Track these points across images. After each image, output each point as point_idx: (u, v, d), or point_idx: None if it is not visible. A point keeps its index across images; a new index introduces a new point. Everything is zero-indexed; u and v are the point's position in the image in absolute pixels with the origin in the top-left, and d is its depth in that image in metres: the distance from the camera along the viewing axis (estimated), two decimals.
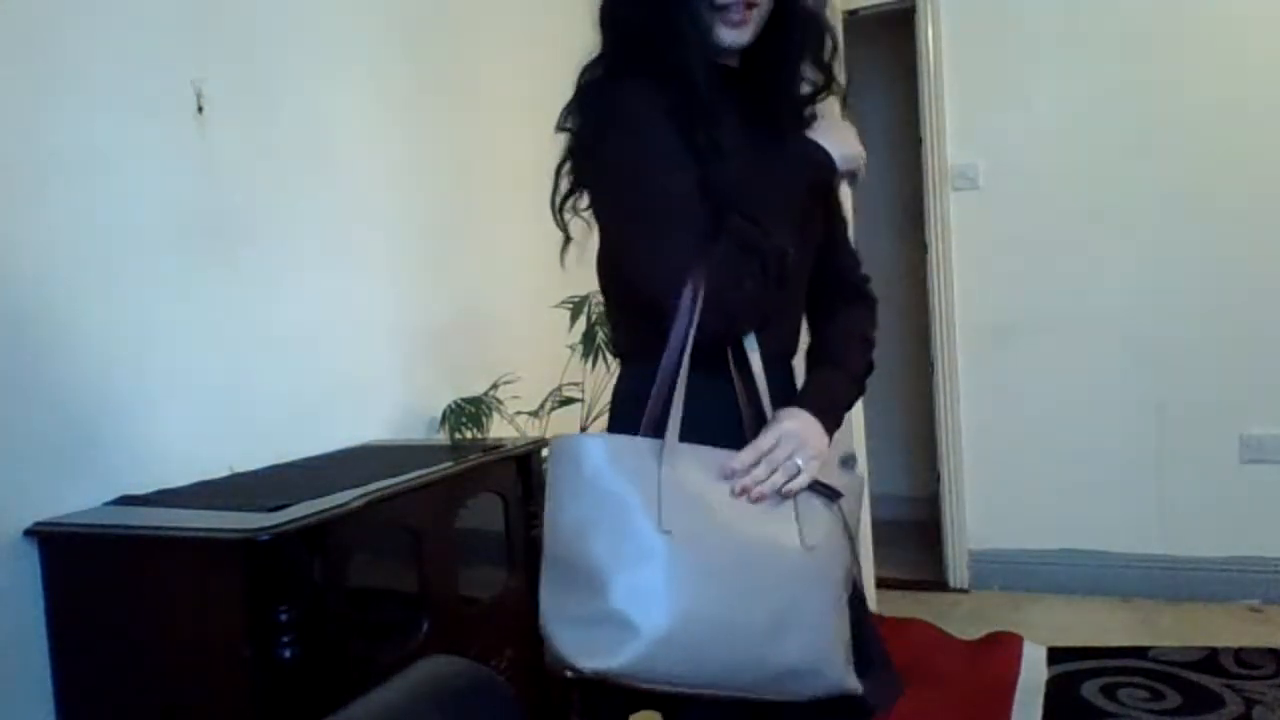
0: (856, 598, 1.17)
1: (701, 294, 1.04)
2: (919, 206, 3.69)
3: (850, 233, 1.41)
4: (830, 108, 1.24)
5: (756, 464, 1.07)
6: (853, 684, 1.09)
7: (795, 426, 1.11)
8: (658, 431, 1.05)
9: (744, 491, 1.06)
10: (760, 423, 1.13)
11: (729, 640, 1.01)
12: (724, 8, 1.14)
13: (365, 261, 2.31)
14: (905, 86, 3.82)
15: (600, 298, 1.63)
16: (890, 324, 4.73)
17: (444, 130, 2.64)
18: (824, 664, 1.07)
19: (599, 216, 1.20)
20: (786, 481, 1.08)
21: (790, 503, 1.08)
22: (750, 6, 1.14)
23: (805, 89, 1.24)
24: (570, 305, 2.55)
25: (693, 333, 1.05)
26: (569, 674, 1.01)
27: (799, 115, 1.23)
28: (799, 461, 1.08)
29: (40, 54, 1.59)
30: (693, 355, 1.06)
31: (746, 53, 1.20)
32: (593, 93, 1.17)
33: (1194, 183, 3.25)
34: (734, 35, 1.16)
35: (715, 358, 1.10)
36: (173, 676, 1.48)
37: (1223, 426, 3.24)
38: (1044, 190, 3.45)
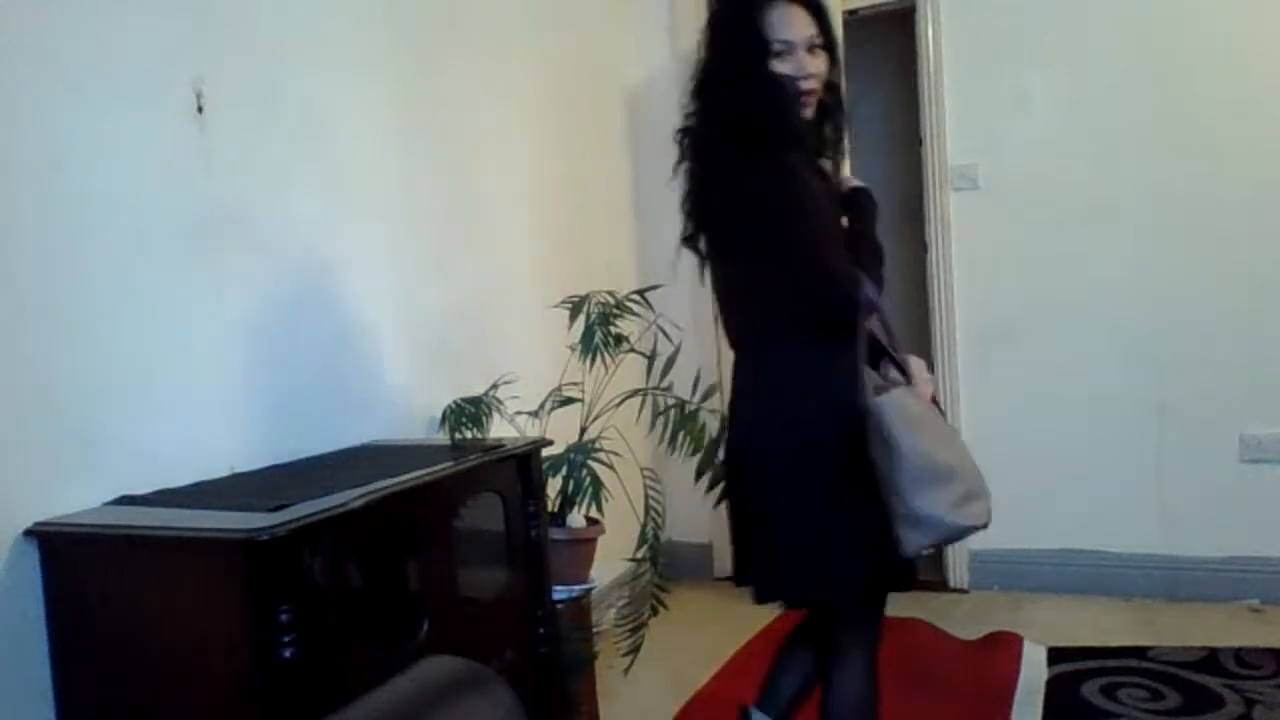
0: None
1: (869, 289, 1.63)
2: (919, 206, 3.69)
3: None
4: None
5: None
6: None
7: (919, 360, 1.73)
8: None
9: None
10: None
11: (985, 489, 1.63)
12: (798, 94, 1.66)
13: (365, 262, 2.32)
14: (905, 86, 3.82)
15: (602, 299, 2.28)
16: None
17: (445, 130, 2.64)
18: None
19: (778, 239, 1.64)
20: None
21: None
22: (813, 92, 1.68)
23: (842, 148, 1.84)
24: (570, 305, 2.54)
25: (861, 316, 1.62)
26: (927, 551, 1.61)
27: (835, 165, 1.87)
28: (930, 377, 1.76)
29: (40, 54, 1.59)
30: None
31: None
32: (772, 160, 1.62)
33: (1194, 183, 3.25)
34: (805, 112, 1.69)
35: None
36: (173, 676, 1.48)
37: (1223, 426, 3.24)
38: (1044, 190, 3.44)
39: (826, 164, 1.78)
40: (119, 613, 1.52)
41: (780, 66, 1.63)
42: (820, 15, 1.68)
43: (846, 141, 1.81)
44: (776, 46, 1.63)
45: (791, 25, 1.64)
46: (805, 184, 1.61)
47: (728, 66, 1.67)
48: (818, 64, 1.66)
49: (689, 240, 1.76)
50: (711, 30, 1.71)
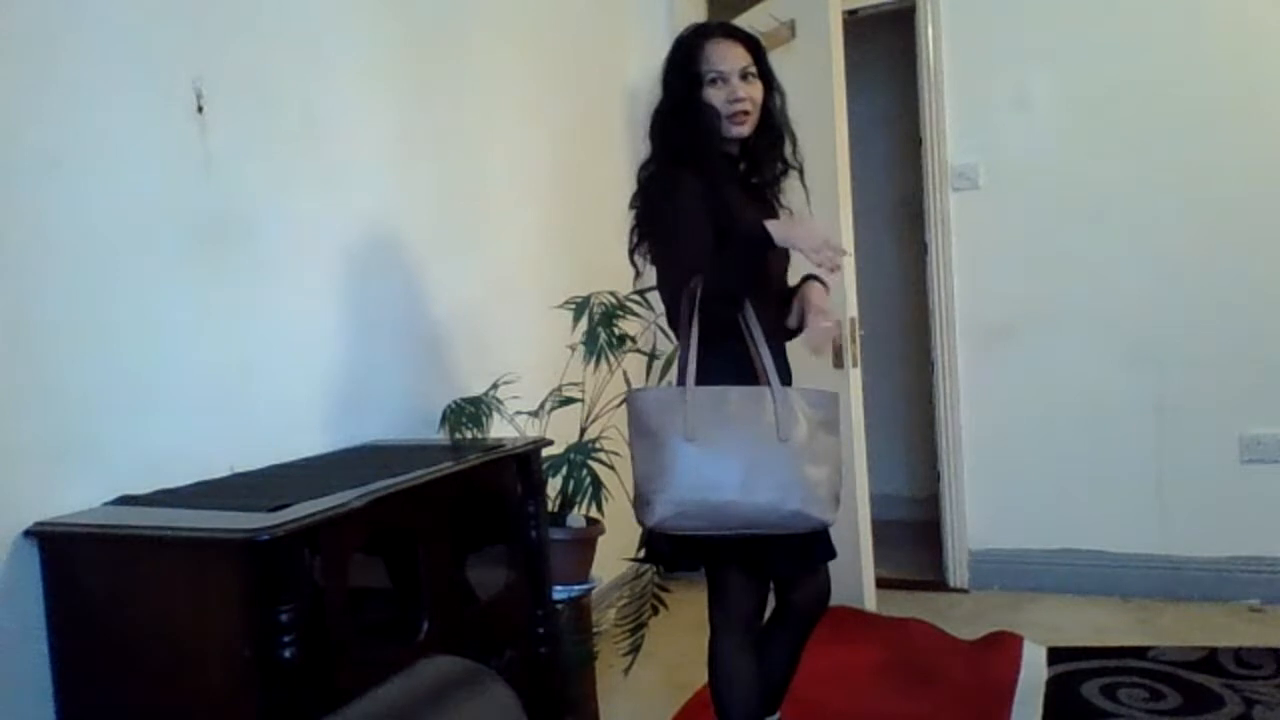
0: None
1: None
2: (919, 206, 3.69)
3: (851, 237, 1.94)
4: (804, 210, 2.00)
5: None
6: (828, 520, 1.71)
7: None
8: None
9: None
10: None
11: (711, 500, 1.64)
12: (732, 115, 1.85)
13: (365, 261, 2.32)
14: (905, 86, 3.82)
15: (604, 299, 2.45)
16: (890, 324, 4.76)
17: (445, 130, 2.64)
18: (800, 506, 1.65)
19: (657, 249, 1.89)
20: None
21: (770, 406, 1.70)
22: (746, 113, 1.86)
23: (778, 168, 1.96)
24: (572, 306, 2.54)
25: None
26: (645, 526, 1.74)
27: (773, 187, 1.97)
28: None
29: (40, 53, 1.59)
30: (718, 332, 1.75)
31: (743, 142, 1.91)
32: (659, 179, 1.86)
33: (1194, 182, 3.25)
34: (738, 130, 1.87)
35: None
36: (173, 676, 1.48)
37: (1223, 426, 3.24)
38: (1044, 190, 3.45)
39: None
40: (119, 613, 1.51)
41: (714, 94, 1.84)
42: (755, 49, 1.89)
43: (795, 156, 1.96)
44: (711, 76, 1.84)
45: (726, 58, 1.85)
46: (689, 198, 1.77)
47: (667, 95, 1.89)
48: (750, 90, 1.85)
49: (631, 252, 1.92)
50: (664, 66, 1.92)
